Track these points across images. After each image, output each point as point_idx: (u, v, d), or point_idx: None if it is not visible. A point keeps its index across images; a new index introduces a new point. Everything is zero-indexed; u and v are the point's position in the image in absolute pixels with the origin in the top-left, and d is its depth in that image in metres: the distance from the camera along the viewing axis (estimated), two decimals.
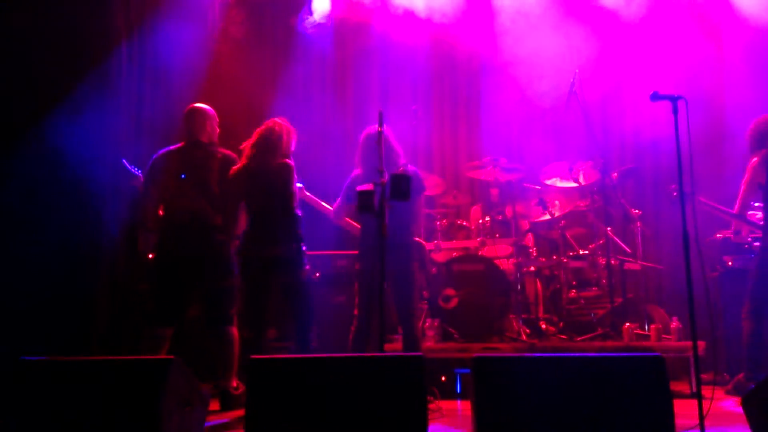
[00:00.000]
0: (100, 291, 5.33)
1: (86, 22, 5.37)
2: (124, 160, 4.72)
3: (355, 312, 4.44)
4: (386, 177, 3.63)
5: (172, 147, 4.61)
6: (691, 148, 3.85)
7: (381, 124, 3.89)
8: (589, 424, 2.72)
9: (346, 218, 4.76)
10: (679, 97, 3.72)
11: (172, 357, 2.92)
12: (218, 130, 4.71)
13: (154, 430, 2.72)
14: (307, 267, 4.46)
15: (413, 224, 4.55)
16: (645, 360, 2.81)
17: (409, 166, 4.58)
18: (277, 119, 4.57)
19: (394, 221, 4.28)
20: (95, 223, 5.23)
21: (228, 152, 4.62)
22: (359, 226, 4.59)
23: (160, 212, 4.49)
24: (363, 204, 3.59)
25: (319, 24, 6.73)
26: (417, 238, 4.63)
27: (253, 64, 6.73)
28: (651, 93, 3.78)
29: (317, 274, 5.49)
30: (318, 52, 7.12)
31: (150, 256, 4.50)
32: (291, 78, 6.89)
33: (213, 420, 4.10)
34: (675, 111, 3.71)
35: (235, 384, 4.42)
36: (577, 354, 2.91)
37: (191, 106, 4.69)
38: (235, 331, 4.49)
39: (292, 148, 4.57)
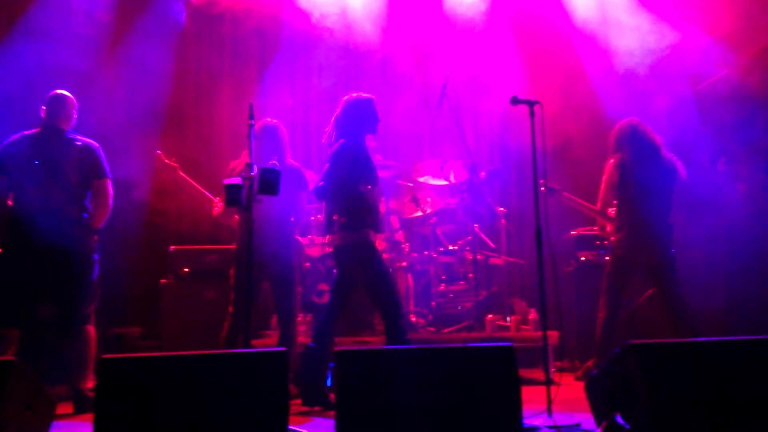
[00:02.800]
0: None
1: None
2: None
3: (230, 309, 4.36)
4: (255, 171, 3.59)
5: (26, 132, 4.33)
6: (545, 148, 4.11)
7: (251, 116, 3.83)
8: (446, 411, 2.82)
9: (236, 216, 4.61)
10: (535, 102, 3.96)
11: (11, 359, 2.74)
12: (75, 116, 4.49)
13: None
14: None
15: (295, 221, 4.55)
16: (496, 350, 2.95)
17: (290, 161, 4.57)
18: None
19: (275, 217, 4.26)
20: None
21: (89, 141, 4.40)
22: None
23: (9, 202, 4.19)
24: (230, 198, 3.53)
25: (193, 11, 6.55)
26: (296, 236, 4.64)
27: (127, 52, 6.46)
28: (511, 97, 4.00)
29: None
30: (193, 41, 6.93)
31: None
32: (164, 66, 6.65)
33: (63, 423, 3.88)
34: (531, 114, 3.95)
35: (90, 385, 4.20)
36: (433, 345, 3.01)
37: (54, 92, 4.44)
38: (91, 330, 4.29)
39: None
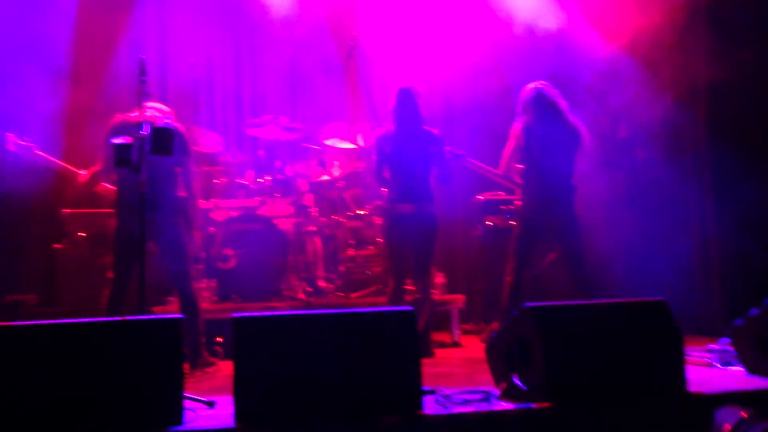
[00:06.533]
0: None
1: None
2: None
3: (110, 275, 4.16)
4: (147, 130, 3.38)
5: None
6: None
7: (143, 73, 3.60)
8: (347, 376, 2.78)
9: (103, 183, 4.43)
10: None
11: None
12: None
13: None
14: None
15: (179, 185, 4.36)
16: (396, 314, 2.93)
17: (174, 124, 4.35)
18: None
19: (157, 179, 4.06)
20: None
21: None
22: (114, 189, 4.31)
23: None
24: (120, 158, 3.31)
25: None
26: (192, 199, 4.45)
27: None
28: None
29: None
30: None
31: None
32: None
33: None
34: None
35: None
36: (335, 310, 2.95)
37: None
38: None
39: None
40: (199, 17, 6.82)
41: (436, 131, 4.89)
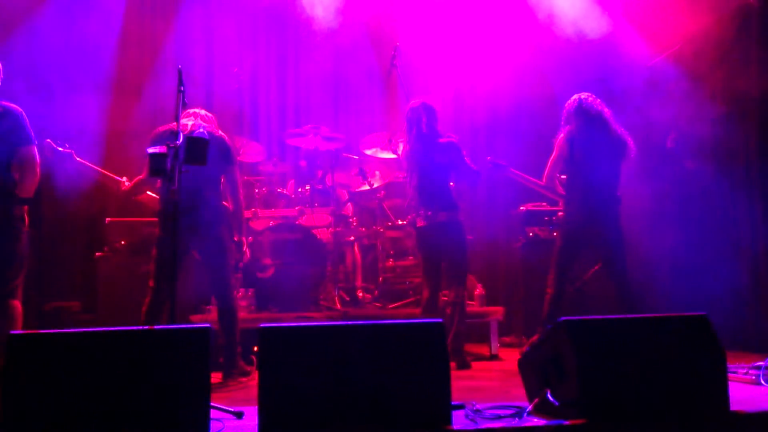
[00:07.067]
0: None
1: None
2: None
3: (151, 283, 4.22)
4: (180, 139, 3.42)
5: None
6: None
7: (181, 83, 3.65)
8: (372, 388, 2.73)
9: (148, 193, 4.56)
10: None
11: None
12: None
13: None
14: None
15: (223, 193, 4.40)
16: (424, 326, 2.87)
17: (219, 132, 4.40)
18: None
19: (199, 188, 4.11)
20: None
21: (10, 106, 4.15)
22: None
23: None
24: (154, 168, 3.35)
25: None
26: (235, 208, 4.51)
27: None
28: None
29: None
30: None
31: None
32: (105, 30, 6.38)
33: None
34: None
35: None
36: (361, 322, 2.90)
37: None
38: (17, 304, 4.08)
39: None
40: (244, 29, 6.94)
41: (447, 139, 4.89)
